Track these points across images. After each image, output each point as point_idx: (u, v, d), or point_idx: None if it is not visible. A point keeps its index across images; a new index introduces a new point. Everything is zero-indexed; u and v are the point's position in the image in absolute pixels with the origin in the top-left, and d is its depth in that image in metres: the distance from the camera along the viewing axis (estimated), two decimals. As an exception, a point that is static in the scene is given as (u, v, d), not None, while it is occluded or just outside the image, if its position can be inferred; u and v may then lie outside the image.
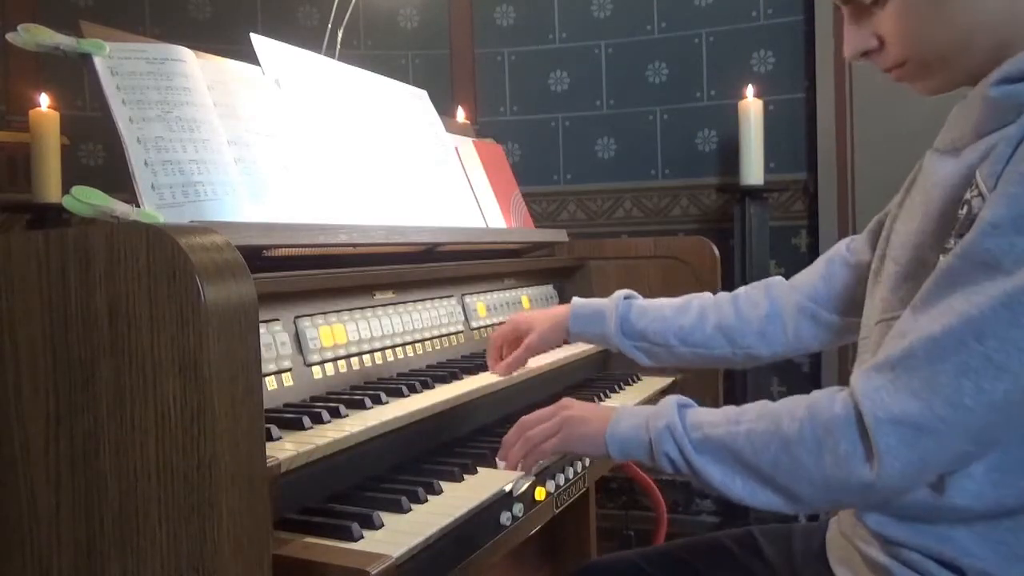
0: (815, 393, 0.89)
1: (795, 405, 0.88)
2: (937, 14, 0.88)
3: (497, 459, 1.13)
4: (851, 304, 1.17)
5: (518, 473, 1.10)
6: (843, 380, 0.87)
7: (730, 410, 0.94)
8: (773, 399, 0.92)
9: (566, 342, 1.52)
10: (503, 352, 1.40)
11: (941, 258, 0.83)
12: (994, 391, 0.75)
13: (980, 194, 0.80)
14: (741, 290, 1.31)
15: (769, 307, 1.26)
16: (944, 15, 0.87)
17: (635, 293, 1.37)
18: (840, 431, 0.82)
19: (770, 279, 1.30)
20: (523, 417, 1.11)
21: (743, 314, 1.27)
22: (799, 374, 2.95)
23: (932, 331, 0.78)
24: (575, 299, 1.40)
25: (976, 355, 0.75)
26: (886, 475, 0.79)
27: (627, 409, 1.03)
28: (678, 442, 0.93)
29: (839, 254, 1.22)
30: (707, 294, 1.34)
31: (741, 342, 1.27)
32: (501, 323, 1.70)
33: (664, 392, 1.73)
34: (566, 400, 1.10)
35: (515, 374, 1.40)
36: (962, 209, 0.83)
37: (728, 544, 1.19)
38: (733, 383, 2.63)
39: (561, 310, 1.39)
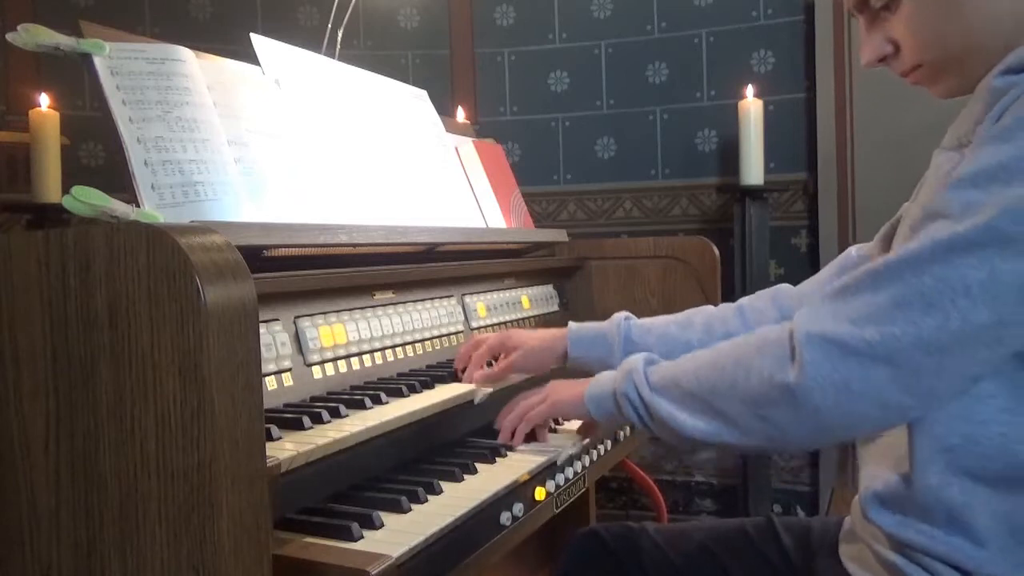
0: (761, 327, 0.94)
1: (742, 338, 0.94)
2: (947, 18, 0.89)
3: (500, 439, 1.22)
4: None
5: (517, 472, 1.10)
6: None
7: (688, 355, 1.01)
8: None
9: (561, 367, 1.34)
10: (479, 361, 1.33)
11: None
12: (923, 325, 0.77)
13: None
14: (744, 300, 1.28)
15: (778, 315, 1.23)
16: (954, 19, 0.88)
17: (631, 314, 1.31)
18: (770, 348, 0.86)
19: (777, 287, 1.28)
20: (516, 398, 1.24)
21: (751, 324, 1.24)
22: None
23: (876, 265, 0.82)
24: (571, 324, 1.32)
25: (911, 288, 0.78)
26: (805, 384, 0.81)
27: (606, 372, 1.10)
28: (636, 384, 1.00)
29: (848, 260, 1.20)
30: (708, 307, 1.31)
31: None
32: (501, 323, 1.70)
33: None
34: (553, 381, 1.19)
35: (476, 386, 1.33)
36: None
37: (748, 530, 1.18)
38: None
39: (556, 332, 1.31)
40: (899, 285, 0.79)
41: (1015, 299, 0.76)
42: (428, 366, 1.43)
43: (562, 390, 1.16)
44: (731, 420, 0.89)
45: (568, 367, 1.31)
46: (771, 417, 0.86)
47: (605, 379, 1.09)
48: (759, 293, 1.29)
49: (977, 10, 0.87)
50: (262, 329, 1.06)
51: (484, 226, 1.85)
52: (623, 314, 1.31)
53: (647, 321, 1.30)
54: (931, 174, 0.94)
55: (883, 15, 0.94)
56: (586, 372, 1.20)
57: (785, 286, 1.28)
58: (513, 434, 1.22)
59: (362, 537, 0.88)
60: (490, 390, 1.31)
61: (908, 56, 0.94)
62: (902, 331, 0.78)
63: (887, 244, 1.07)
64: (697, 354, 0.98)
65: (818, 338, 0.81)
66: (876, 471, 0.93)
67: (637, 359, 1.04)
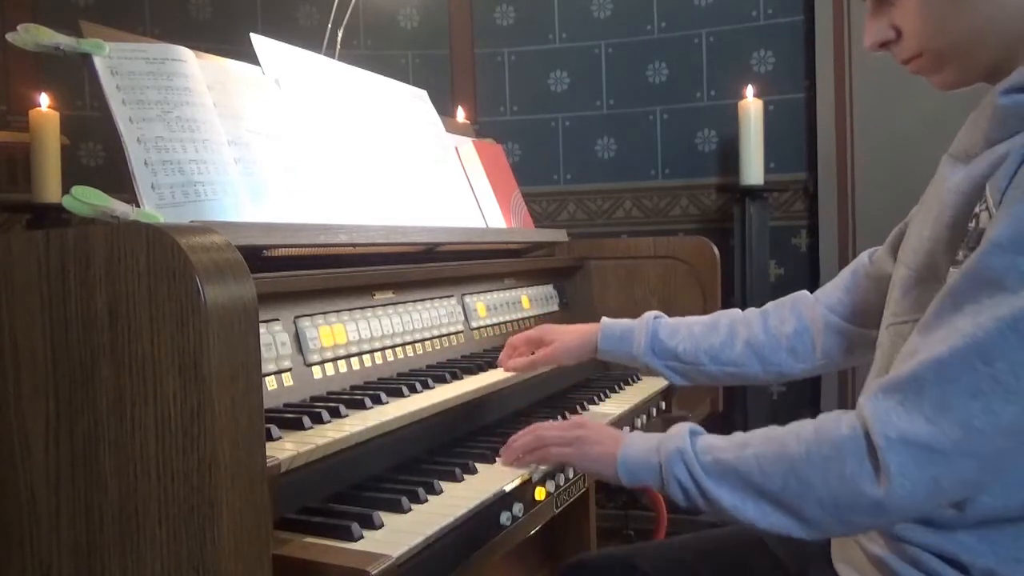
0: (821, 416, 0.89)
1: (801, 427, 0.88)
2: (955, 9, 0.88)
3: (498, 456, 1.14)
4: (874, 316, 1.13)
5: (518, 472, 1.10)
6: (842, 383, 0.87)
7: (738, 436, 0.94)
8: (774, 400, 0.92)
9: (593, 360, 1.43)
10: (521, 353, 1.41)
11: (951, 271, 0.83)
12: (1004, 413, 0.76)
13: (987, 208, 0.81)
14: (769, 306, 1.29)
15: (796, 323, 1.24)
16: (961, 10, 0.88)
17: (663, 314, 1.36)
18: (847, 451, 0.82)
19: (797, 294, 1.28)
20: (538, 423, 1.13)
21: (772, 331, 1.25)
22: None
23: (940, 353, 0.78)
24: (604, 319, 1.38)
25: (985, 377, 0.76)
26: (896, 494, 0.79)
27: (639, 434, 1.04)
28: (688, 466, 0.92)
29: (861, 265, 1.20)
30: (736, 310, 1.33)
31: (771, 359, 1.25)
32: (501, 323, 1.70)
33: (663, 393, 1.73)
34: (582, 418, 1.13)
35: (515, 373, 1.40)
36: (971, 222, 0.83)
37: (730, 541, 1.18)
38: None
39: (590, 328, 1.38)
40: (972, 374, 0.76)
41: None
42: (428, 366, 1.43)
43: (590, 442, 1.05)
44: (806, 520, 0.86)
45: (598, 358, 1.40)
46: (855, 521, 0.85)
47: (643, 448, 0.99)
48: (781, 300, 1.29)
49: (982, 5, 0.87)
50: (262, 329, 1.06)
51: (484, 226, 1.85)
52: (653, 313, 1.36)
53: (675, 321, 1.33)
54: (939, 184, 0.93)
55: (892, 1, 0.92)
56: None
57: (804, 293, 1.28)
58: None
59: (362, 537, 0.88)
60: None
61: (910, 44, 0.93)
62: (983, 423, 0.76)
63: (895, 250, 1.06)
64: (753, 438, 0.91)
65: (899, 443, 0.78)
66: None
67: (682, 432, 0.96)
